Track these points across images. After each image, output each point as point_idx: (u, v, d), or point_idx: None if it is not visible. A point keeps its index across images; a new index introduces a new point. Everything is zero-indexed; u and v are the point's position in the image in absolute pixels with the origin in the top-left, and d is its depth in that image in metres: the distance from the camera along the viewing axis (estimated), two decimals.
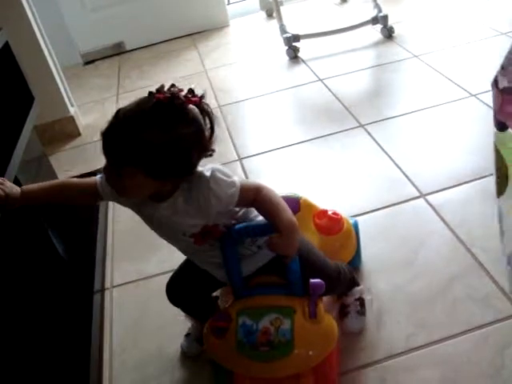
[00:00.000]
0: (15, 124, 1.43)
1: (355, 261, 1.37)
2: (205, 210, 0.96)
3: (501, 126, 0.90)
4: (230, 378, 1.10)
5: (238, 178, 0.99)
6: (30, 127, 1.44)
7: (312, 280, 1.04)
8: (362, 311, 1.26)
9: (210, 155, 0.96)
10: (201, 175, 0.95)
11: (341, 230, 1.28)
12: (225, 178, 0.96)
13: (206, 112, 0.93)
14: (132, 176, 0.90)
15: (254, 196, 0.98)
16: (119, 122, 0.89)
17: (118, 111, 0.90)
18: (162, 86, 0.90)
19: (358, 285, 1.29)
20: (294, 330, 1.03)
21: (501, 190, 0.96)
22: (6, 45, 1.47)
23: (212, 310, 1.23)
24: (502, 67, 0.85)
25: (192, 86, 0.93)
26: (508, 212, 0.97)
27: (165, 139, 0.87)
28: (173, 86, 0.91)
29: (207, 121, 0.93)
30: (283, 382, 1.09)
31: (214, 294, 1.28)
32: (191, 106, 0.90)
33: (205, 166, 0.97)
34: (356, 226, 1.38)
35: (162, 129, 0.87)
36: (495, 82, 0.87)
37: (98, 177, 1.05)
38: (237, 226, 1.03)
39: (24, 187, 1.07)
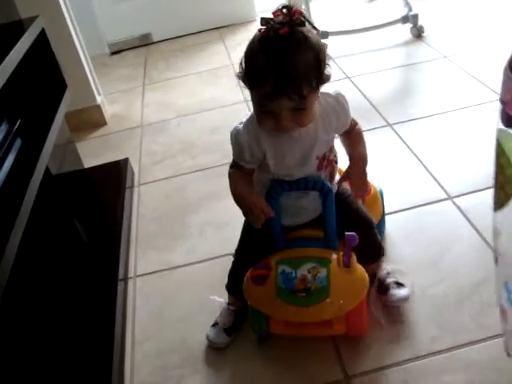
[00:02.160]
0: (49, 110, 1.44)
1: (381, 225, 1.47)
2: (328, 122, 1.10)
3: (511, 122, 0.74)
4: (267, 324, 1.21)
5: None
6: (62, 114, 1.45)
7: (347, 233, 1.11)
8: (400, 283, 1.29)
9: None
10: (328, 93, 1.11)
11: (369, 194, 1.36)
12: (346, 105, 1.12)
13: (305, 19, 1.00)
14: (312, 95, 1.00)
15: (353, 126, 1.17)
16: (285, 54, 0.95)
17: (264, 46, 0.97)
18: (264, 19, 0.97)
19: (384, 254, 1.32)
20: (330, 278, 1.12)
21: (502, 202, 0.80)
22: (43, 32, 1.48)
23: None
24: None
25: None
26: None
27: (312, 53, 0.98)
28: (275, 16, 0.97)
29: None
30: (317, 327, 1.18)
31: None
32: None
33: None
34: (381, 193, 1.47)
35: (306, 48, 0.97)
36: (510, 67, 0.73)
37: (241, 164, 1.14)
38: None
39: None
